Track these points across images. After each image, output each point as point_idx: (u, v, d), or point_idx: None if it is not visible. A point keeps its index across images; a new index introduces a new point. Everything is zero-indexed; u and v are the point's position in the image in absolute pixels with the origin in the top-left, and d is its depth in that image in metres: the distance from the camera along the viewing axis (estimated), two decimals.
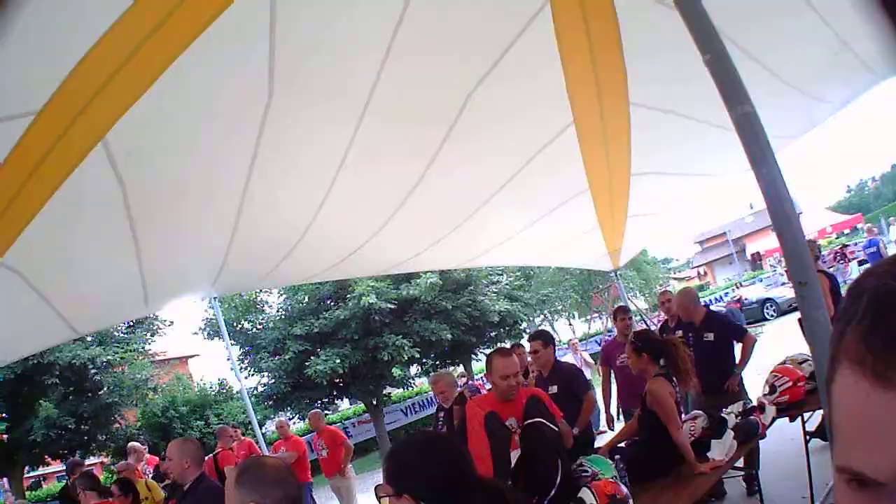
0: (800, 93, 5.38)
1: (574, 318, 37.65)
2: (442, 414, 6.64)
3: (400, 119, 3.99)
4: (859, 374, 0.65)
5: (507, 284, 23.30)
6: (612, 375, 7.43)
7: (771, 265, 36.23)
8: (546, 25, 3.62)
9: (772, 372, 5.18)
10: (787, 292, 26.69)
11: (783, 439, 5.81)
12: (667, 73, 4.34)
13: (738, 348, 6.18)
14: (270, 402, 19.98)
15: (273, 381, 19.77)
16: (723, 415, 4.73)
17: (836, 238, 33.42)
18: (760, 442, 5.06)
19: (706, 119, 4.83)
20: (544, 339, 5.92)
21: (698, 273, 54.35)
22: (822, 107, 6.26)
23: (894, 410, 0.62)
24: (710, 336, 5.98)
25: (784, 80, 4.95)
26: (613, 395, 7.58)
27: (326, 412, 21.44)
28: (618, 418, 7.51)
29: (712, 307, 27.79)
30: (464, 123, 4.11)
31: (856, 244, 28.45)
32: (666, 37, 3.54)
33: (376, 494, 2.24)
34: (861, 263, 24.93)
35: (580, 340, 18.42)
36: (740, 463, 4.96)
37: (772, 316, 24.82)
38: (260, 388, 20.18)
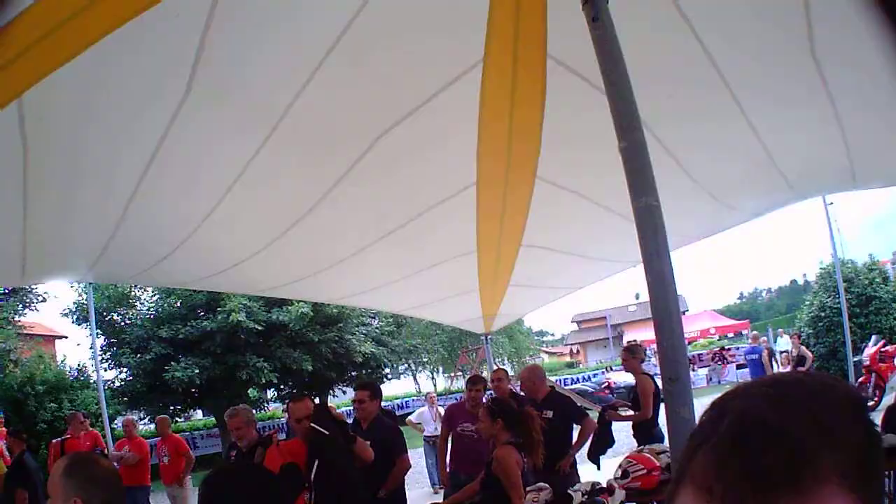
0: (712, 197, 5.55)
1: (438, 372, 37.75)
2: (234, 453, 5.84)
3: (307, 145, 3.93)
4: (704, 500, 0.61)
5: (377, 328, 23.77)
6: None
7: (647, 355, 37.39)
8: (473, 86, 3.63)
9: (627, 457, 5.23)
10: (659, 382, 27.72)
11: None
12: (581, 157, 4.42)
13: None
14: (125, 399, 19.81)
15: (131, 378, 19.67)
16: (569, 491, 4.78)
17: (718, 340, 34.88)
18: None
19: (609, 205, 4.97)
20: (372, 391, 5.89)
21: (571, 350, 55.43)
22: (733, 214, 6.48)
23: None
24: (550, 414, 6.00)
25: (698, 182, 5.10)
26: None
27: (178, 420, 21.57)
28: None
29: (578, 385, 28.74)
30: (368, 163, 4.08)
31: (738, 348, 29.74)
32: (588, 123, 3.63)
33: None
34: (739, 367, 26.20)
35: (438, 395, 18.64)
36: None
37: None
38: (117, 383, 19.96)
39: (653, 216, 2.52)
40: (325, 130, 3.84)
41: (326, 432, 4.75)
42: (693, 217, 6.15)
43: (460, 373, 29.48)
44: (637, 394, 6.75)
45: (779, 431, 0.61)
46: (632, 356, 7.05)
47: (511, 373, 28.21)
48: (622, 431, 6.93)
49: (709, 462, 0.62)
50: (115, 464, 9.75)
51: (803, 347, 15.16)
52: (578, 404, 7.96)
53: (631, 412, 6.77)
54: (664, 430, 6.54)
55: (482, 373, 22.93)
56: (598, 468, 6.59)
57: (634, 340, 7.62)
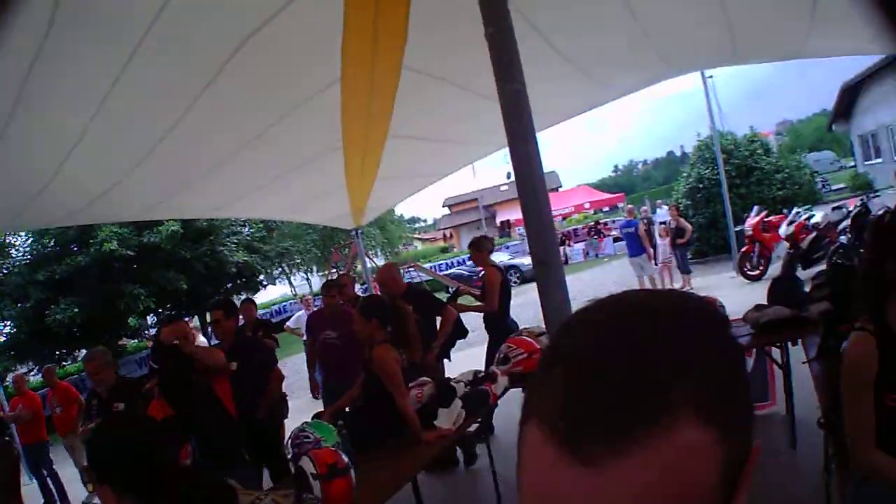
0: (585, 75, 5.51)
1: (313, 272, 37.39)
2: (95, 402, 5.48)
3: (169, 59, 3.57)
4: (547, 439, 0.56)
5: (248, 235, 23.45)
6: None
7: (520, 234, 38.23)
8: None
9: (506, 342, 5.28)
10: (530, 260, 28.57)
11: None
12: (448, 42, 4.24)
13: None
14: (12, 353, 19.04)
15: (14, 330, 18.98)
16: (452, 383, 4.79)
17: (594, 214, 35.96)
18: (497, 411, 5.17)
19: (476, 89, 4.82)
20: (225, 309, 5.71)
21: (444, 235, 55.14)
22: (608, 90, 6.48)
23: (581, 489, 0.53)
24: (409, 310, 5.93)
25: (572, 62, 5.06)
26: None
27: (65, 363, 20.81)
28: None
29: (455, 269, 29.27)
30: (232, 69, 3.77)
31: (614, 221, 30.89)
32: (454, 6, 3.44)
33: (82, 480, 2.14)
34: (616, 241, 27.15)
35: (315, 296, 18.59)
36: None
37: (515, 283, 26.40)
38: (1, 339, 19.31)
39: (519, 101, 2.48)
40: (188, 40, 3.48)
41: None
42: (566, 95, 6.11)
43: (334, 270, 29.26)
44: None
45: (621, 366, 0.56)
46: (477, 251, 6.91)
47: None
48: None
49: (554, 400, 0.57)
50: (12, 424, 9.39)
51: (682, 219, 15.17)
52: (450, 290, 8.00)
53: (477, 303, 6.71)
54: (518, 321, 6.74)
55: (356, 268, 23.03)
56: (449, 360, 6.66)
57: (484, 235, 7.52)
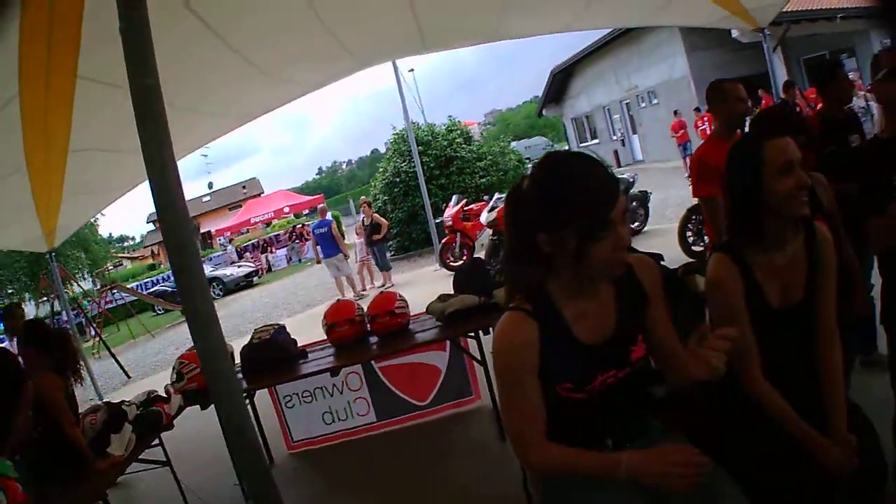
0: (266, 75, 5.46)
1: (27, 301, 33.57)
2: None
3: None
4: None
5: None
6: None
7: (221, 244, 37.27)
8: None
9: (179, 359, 4.95)
10: (233, 271, 27.80)
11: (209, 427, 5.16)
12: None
13: None
14: None
15: None
16: (123, 407, 4.44)
17: (296, 218, 35.66)
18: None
19: None
20: None
21: (152, 252, 52.81)
22: (294, 87, 6.45)
23: None
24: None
25: (252, 63, 5.00)
26: None
27: None
28: None
29: (159, 286, 27.75)
30: None
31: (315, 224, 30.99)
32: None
33: None
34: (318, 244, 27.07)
35: None
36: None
37: (218, 294, 25.48)
38: None
39: (152, 95, 2.36)
40: None
41: None
42: (250, 94, 6.09)
43: (44, 298, 26.36)
44: None
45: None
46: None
47: (89, 287, 26.27)
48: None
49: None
50: None
51: (376, 215, 14.80)
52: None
53: None
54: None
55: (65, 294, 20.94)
56: None
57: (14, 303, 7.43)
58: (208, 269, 28.33)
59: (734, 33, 15.75)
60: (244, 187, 52.03)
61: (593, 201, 1.72)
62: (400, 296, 5.05)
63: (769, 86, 7.96)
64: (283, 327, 5.25)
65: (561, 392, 1.89)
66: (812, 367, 2.31)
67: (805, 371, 2.30)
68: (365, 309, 5.03)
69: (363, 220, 14.78)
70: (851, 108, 5.01)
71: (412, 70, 24.00)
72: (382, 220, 14.86)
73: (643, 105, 28.33)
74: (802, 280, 2.29)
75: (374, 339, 4.94)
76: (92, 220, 29.74)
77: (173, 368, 4.89)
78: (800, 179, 2.16)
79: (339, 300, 5.33)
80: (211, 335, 2.36)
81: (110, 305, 23.27)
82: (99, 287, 25.41)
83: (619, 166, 29.01)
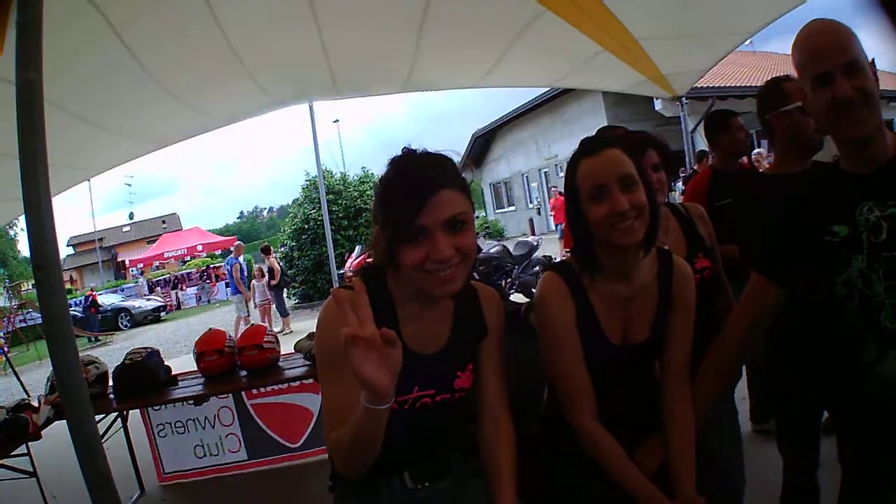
0: (178, 100, 5.47)
1: None
2: None
3: None
4: None
5: None
6: None
7: (133, 275, 36.37)
8: None
9: (52, 372, 4.90)
10: (143, 303, 27.13)
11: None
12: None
13: None
14: None
15: None
16: None
17: (209, 258, 35.30)
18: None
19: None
20: None
21: (70, 277, 51.35)
22: (206, 119, 6.49)
23: None
24: None
25: (164, 87, 5.02)
26: None
27: None
28: None
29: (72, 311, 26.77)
30: None
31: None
32: None
33: None
34: (228, 285, 26.69)
35: None
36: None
37: (126, 326, 24.82)
38: None
39: (33, 91, 2.36)
40: None
41: None
42: (166, 121, 6.08)
43: None
44: None
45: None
46: None
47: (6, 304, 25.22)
48: None
49: None
50: None
51: (273, 259, 15.07)
52: None
53: None
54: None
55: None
56: None
57: None
58: (118, 300, 28.03)
59: (657, 106, 16.27)
60: (164, 222, 51.38)
61: (397, 200, 1.56)
62: (270, 331, 5.13)
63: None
64: (157, 352, 5.23)
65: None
66: (656, 416, 2.00)
67: (648, 420, 2.00)
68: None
69: (264, 265, 14.98)
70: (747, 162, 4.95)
71: (337, 121, 24.04)
72: (276, 265, 15.03)
73: (562, 175, 28.60)
74: (649, 317, 1.95)
75: (243, 373, 4.95)
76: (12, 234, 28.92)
77: (47, 380, 4.84)
78: (614, 206, 1.77)
79: (210, 329, 5.32)
80: (68, 350, 2.37)
81: (23, 325, 22.41)
82: (13, 304, 24.41)
83: (534, 234, 29.60)
